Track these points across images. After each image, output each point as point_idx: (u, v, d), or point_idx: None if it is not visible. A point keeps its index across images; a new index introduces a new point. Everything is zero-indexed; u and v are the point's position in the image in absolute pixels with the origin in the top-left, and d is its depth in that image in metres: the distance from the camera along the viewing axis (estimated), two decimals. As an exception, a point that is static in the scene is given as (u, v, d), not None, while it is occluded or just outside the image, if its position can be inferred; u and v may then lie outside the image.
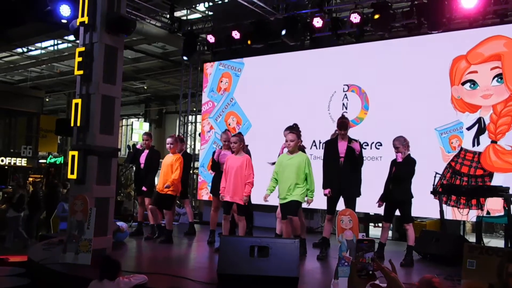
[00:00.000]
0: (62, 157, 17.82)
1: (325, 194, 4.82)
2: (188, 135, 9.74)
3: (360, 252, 1.35)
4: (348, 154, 4.71)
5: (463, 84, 6.15)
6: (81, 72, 4.60)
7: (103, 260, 3.26)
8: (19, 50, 13.38)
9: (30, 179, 15.35)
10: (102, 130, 4.57)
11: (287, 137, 4.62)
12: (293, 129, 4.90)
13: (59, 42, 12.50)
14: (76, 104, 4.57)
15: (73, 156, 4.52)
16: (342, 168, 4.73)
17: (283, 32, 7.24)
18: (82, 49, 4.62)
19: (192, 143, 10.05)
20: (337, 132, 4.90)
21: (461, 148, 6.09)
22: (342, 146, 4.77)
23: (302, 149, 5.02)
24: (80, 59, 4.59)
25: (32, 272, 4.14)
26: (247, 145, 5.74)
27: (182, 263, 4.78)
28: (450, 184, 5.85)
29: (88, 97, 4.58)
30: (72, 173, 4.50)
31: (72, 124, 4.60)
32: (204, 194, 8.46)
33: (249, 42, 7.72)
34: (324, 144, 5.17)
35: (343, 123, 4.77)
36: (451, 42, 6.25)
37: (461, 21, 6.33)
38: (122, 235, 5.53)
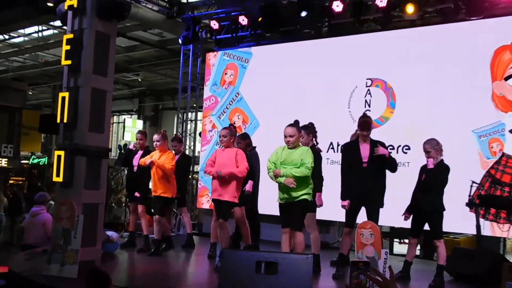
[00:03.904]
0: (46, 157, 18.07)
1: (343, 206, 4.81)
2: (187, 134, 9.83)
3: (355, 273, 1.41)
4: (371, 158, 4.72)
5: (506, 79, 6.12)
6: (68, 62, 4.68)
7: (91, 273, 3.33)
8: (0, 37, 13.61)
9: (11, 181, 15.60)
10: (92, 128, 4.65)
11: (285, 132, 4.41)
12: (305, 127, 4.85)
13: (44, 28, 12.66)
14: (63, 98, 4.64)
15: (58, 157, 4.60)
16: (365, 175, 4.73)
17: (303, 13, 7.15)
18: (70, 36, 4.70)
19: (192, 143, 10.14)
20: (358, 132, 4.92)
21: (503, 154, 6.06)
22: (364, 150, 4.78)
23: (318, 152, 5.03)
24: (68, 47, 4.66)
25: (13, 284, 4.24)
26: (254, 147, 5.81)
27: (179, 279, 4.84)
28: (489, 195, 5.81)
29: (76, 90, 4.66)
30: (57, 175, 4.59)
31: (58, 121, 4.68)
32: (205, 201, 8.53)
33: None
34: (342, 147, 5.16)
35: (365, 123, 4.78)
36: (493, 31, 6.22)
37: (506, 5, 6.26)
38: (112, 246, 5.63)
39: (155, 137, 5.77)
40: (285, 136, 4.43)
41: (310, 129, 5.04)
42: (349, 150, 4.91)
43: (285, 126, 4.51)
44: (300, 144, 4.56)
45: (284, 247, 4.47)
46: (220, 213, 4.88)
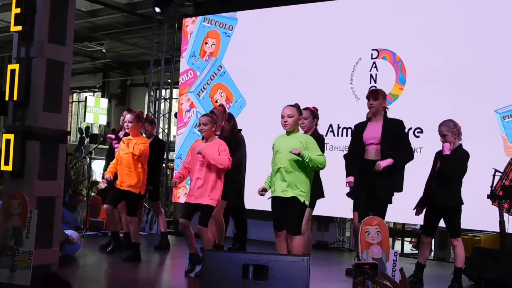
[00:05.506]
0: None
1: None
2: (161, 115, 9.76)
3: (360, 278, 1.42)
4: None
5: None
6: (19, 28, 4.61)
7: (48, 280, 3.31)
8: None
9: None
10: (47, 107, 4.61)
11: (283, 111, 4.39)
12: (309, 109, 4.93)
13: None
14: (12, 71, 4.58)
15: (7, 141, 4.55)
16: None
17: None
18: (21, -4, 4.61)
19: (166, 126, 10.08)
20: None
21: (530, 138, 6.14)
22: (371, 130, 4.84)
23: (321, 138, 5.03)
24: (18, 10, 4.59)
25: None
26: (240, 130, 5.80)
27: (152, 286, 4.85)
28: (514, 185, 5.88)
29: (29, 61, 4.60)
30: (6, 163, 4.55)
31: (6, 98, 4.62)
32: (182, 195, 8.51)
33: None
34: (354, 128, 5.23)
35: (370, 91, 4.92)
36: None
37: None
38: (72, 247, 5.61)
39: (128, 117, 5.59)
40: (282, 117, 4.40)
41: (315, 113, 5.15)
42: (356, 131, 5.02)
43: (276, 104, 4.51)
44: (300, 129, 4.57)
45: (280, 249, 4.47)
46: (199, 219, 4.78)
